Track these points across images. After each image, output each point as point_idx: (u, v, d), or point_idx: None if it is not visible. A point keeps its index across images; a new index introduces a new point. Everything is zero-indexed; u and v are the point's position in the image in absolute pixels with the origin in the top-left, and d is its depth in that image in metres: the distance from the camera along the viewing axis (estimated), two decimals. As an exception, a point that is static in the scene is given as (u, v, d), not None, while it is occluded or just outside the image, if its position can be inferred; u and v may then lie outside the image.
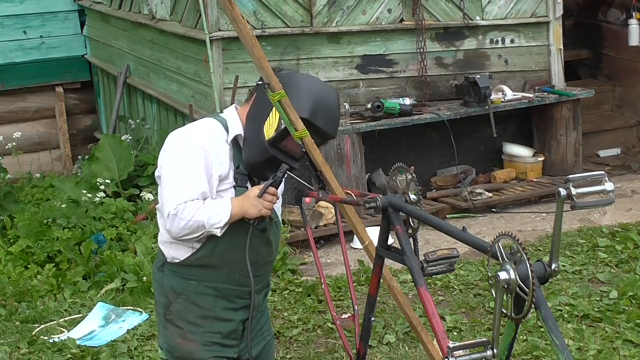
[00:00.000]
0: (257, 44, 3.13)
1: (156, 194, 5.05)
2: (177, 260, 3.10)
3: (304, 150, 3.06)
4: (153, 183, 6.72)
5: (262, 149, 3.02)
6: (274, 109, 3.02)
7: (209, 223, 2.95)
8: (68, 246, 6.07)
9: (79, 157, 8.85)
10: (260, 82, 3.05)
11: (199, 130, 3.04)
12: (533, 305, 2.39)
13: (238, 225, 3.01)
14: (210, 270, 3.09)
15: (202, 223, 2.94)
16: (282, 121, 3.01)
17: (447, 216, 6.91)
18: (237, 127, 3.07)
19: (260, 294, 3.24)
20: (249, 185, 3.08)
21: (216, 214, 2.95)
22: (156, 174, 3.10)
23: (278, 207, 3.27)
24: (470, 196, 6.95)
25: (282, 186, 3.12)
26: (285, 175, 3.03)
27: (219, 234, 2.99)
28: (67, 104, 9.54)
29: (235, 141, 3.06)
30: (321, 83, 3.19)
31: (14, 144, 7.97)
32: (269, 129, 3.02)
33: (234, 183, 3.05)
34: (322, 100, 3.06)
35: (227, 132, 3.06)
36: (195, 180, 2.95)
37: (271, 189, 2.99)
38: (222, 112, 3.21)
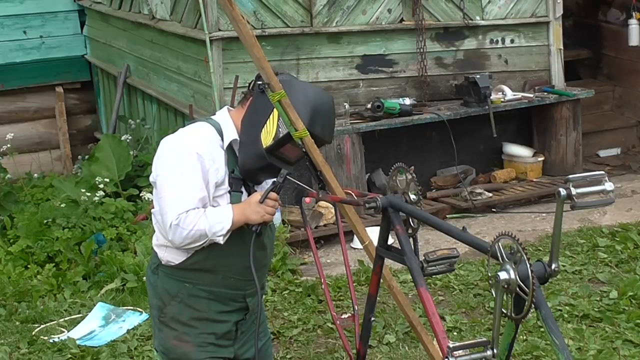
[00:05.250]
0: (257, 44, 3.13)
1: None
2: (172, 264, 3.09)
3: (304, 150, 3.06)
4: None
5: (259, 156, 3.01)
6: (271, 116, 3.01)
7: (211, 231, 2.93)
8: (68, 246, 6.07)
9: (79, 157, 8.85)
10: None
11: (194, 136, 3.01)
12: (533, 305, 2.40)
13: (235, 230, 3.00)
14: (205, 274, 3.08)
15: (204, 232, 2.93)
16: (280, 129, 3.00)
17: (447, 216, 6.91)
18: (231, 132, 3.05)
19: (254, 297, 3.22)
20: (243, 189, 3.07)
21: (218, 222, 2.94)
22: (151, 179, 3.08)
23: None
24: (470, 196, 6.95)
25: None
26: (285, 180, 3.02)
27: (222, 242, 2.97)
28: (67, 104, 9.54)
29: (229, 146, 3.05)
30: (317, 90, 3.17)
31: (9, 145, 7.95)
32: (267, 137, 3.01)
33: (229, 188, 3.04)
34: (319, 108, 3.06)
35: (221, 136, 3.04)
36: (194, 188, 2.93)
37: (272, 195, 2.98)
38: (214, 114, 3.20)
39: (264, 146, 3.01)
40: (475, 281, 5.49)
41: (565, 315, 4.86)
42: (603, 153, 8.58)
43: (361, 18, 7.02)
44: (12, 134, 8.13)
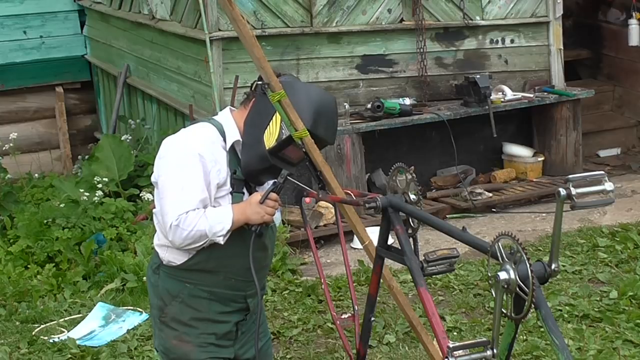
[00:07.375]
0: (257, 44, 3.13)
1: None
2: (173, 264, 3.09)
3: (304, 150, 3.06)
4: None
5: (262, 157, 3.01)
6: (274, 117, 3.01)
7: (211, 232, 2.94)
8: (68, 246, 6.07)
9: (79, 157, 8.85)
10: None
11: (196, 137, 3.01)
12: (533, 305, 2.40)
13: (236, 231, 3.00)
14: (206, 275, 3.08)
15: (205, 232, 2.93)
16: (283, 131, 3.00)
17: (447, 216, 6.91)
18: (234, 133, 3.05)
19: (255, 297, 3.22)
20: (245, 190, 3.08)
21: (218, 222, 2.94)
22: (152, 179, 3.08)
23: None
24: (470, 196, 6.95)
25: None
26: (286, 181, 3.01)
27: (222, 242, 2.97)
28: (67, 104, 9.55)
29: (232, 147, 3.04)
30: (320, 91, 3.17)
31: (11, 145, 7.95)
32: (270, 138, 3.01)
33: (231, 189, 3.04)
34: (322, 110, 3.06)
35: (223, 137, 3.04)
36: (195, 189, 2.93)
37: (273, 195, 2.98)
38: (216, 114, 3.19)
39: (267, 147, 3.01)
40: (475, 281, 5.49)
41: (565, 315, 4.86)
42: (603, 153, 8.59)
43: (361, 18, 7.02)
44: (16, 134, 8.13)
